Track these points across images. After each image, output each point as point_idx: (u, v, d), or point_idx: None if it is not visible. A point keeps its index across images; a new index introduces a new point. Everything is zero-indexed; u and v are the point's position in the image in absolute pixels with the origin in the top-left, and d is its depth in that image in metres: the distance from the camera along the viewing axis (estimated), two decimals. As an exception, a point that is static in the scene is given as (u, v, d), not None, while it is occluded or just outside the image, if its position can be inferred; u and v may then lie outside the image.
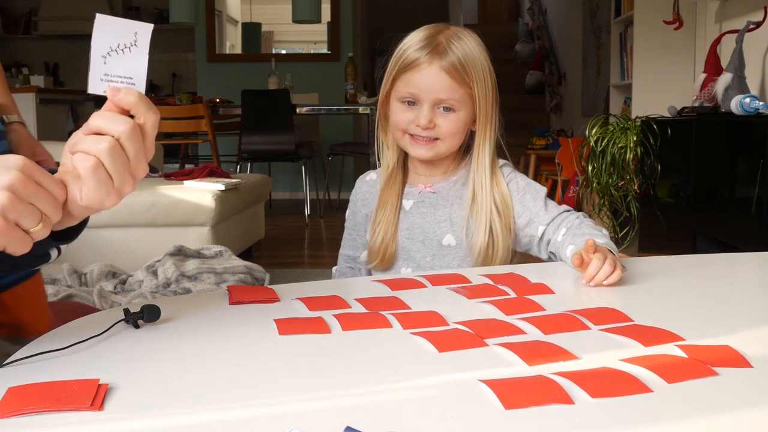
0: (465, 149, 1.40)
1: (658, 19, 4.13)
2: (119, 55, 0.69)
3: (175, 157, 6.56)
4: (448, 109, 1.31)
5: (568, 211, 1.36)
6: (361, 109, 5.55)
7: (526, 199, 1.37)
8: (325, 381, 0.70)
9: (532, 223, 1.36)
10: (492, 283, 1.08)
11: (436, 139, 1.33)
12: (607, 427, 0.60)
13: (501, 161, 1.39)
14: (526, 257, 1.41)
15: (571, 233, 1.29)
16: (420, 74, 1.30)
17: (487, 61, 1.33)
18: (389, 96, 1.36)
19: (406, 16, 8.56)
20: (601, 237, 1.24)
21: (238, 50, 8.28)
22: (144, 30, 0.70)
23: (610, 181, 3.87)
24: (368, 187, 1.46)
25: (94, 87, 0.71)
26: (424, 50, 1.30)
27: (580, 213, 1.36)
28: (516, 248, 1.38)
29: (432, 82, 1.30)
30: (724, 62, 3.31)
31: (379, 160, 1.43)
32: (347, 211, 1.49)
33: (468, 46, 1.31)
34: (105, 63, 0.69)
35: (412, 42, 1.32)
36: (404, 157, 1.42)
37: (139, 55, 0.70)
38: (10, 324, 1.05)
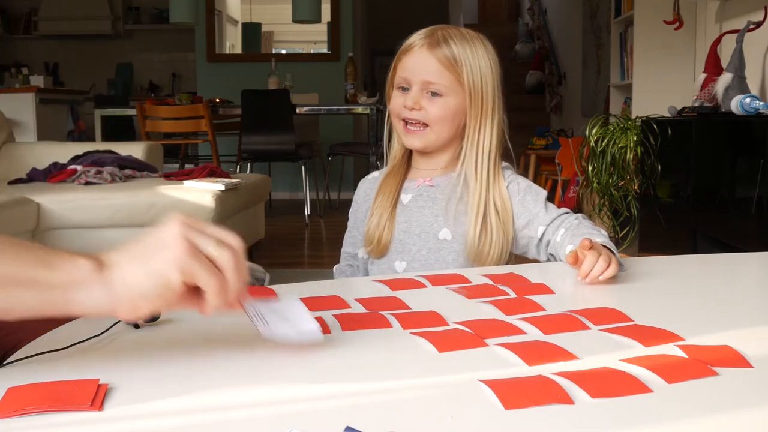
0: None
1: (658, 19, 4.13)
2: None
3: (175, 157, 6.56)
4: (436, 96, 1.33)
5: (567, 213, 1.36)
6: (361, 109, 5.56)
7: (527, 200, 1.37)
8: (325, 381, 0.70)
9: (531, 223, 1.36)
10: (492, 283, 1.08)
11: (426, 125, 1.34)
12: (607, 427, 0.60)
13: (503, 163, 1.40)
14: (522, 260, 1.41)
15: (570, 233, 1.29)
16: (412, 57, 1.35)
17: (490, 61, 1.35)
18: (392, 86, 1.39)
19: (406, 16, 8.58)
20: (599, 236, 1.24)
21: (238, 50, 8.28)
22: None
23: (610, 181, 3.87)
24: (370, 183, 1.48)
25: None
26: (420, 36, 1.36)
27: (580, 215, 1.36)
28: (513, 250, 1.38)
29: (421, 65, 1.33)
30: (724, 62, 3.31)
31: (386, 156, 1.44)
32: (350, 210, 1.50)
33: (467, 43, 1.34)
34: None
35: (415, 33, 1.37)
36: (409, 153, 1.43)
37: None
38: None
